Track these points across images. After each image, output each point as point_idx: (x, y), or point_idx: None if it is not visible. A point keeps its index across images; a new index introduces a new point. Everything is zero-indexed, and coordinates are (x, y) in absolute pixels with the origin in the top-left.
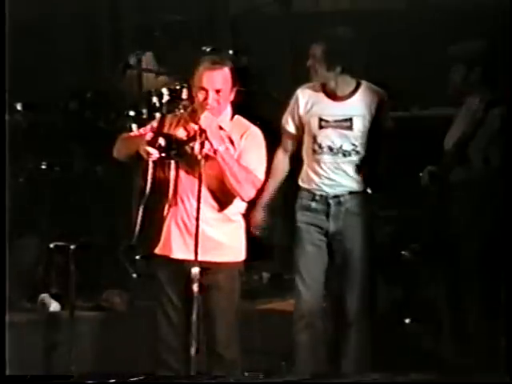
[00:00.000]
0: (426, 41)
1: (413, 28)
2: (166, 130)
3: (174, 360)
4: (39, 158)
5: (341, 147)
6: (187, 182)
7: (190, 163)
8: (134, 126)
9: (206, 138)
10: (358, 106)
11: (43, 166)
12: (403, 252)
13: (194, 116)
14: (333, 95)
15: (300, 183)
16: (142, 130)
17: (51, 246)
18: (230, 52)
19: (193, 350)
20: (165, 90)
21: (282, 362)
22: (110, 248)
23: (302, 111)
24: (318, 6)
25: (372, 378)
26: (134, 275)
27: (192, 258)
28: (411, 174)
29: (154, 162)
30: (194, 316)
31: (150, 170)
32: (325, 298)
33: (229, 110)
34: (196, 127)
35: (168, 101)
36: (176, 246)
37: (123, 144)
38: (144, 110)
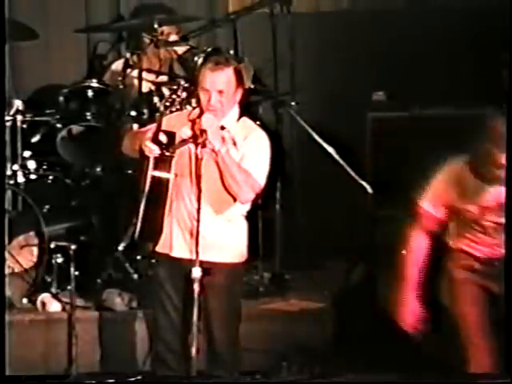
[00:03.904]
0: (426, 41)
1: (412, 28)
2: (170, 128)
3: (173, 359)
4: (41, 158)
5: None
6: (188, 181)
7: (191, 162)
8: (134, 126)
9: (207, 139)
10: None
11: (44, 166)
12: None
13: (198, 116)
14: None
15: None
16: (148, 127)
17: (51, 245)
18: (231, 52)
19: (193, 351)
20: (165, 90)
21: (282, 362)
22: (110, 248)
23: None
24: (318, 6)
25: (373, 379)
26: (135, 276)
27: (191, 257)
28: (412, 173)
29: (155, 158)
30: (195, 316)
31: (151, 166)
32: None
33: (236, 110)
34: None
35: (169, 100)
36: (176, 244)
37: (129, 140)
38: (145, 110)
